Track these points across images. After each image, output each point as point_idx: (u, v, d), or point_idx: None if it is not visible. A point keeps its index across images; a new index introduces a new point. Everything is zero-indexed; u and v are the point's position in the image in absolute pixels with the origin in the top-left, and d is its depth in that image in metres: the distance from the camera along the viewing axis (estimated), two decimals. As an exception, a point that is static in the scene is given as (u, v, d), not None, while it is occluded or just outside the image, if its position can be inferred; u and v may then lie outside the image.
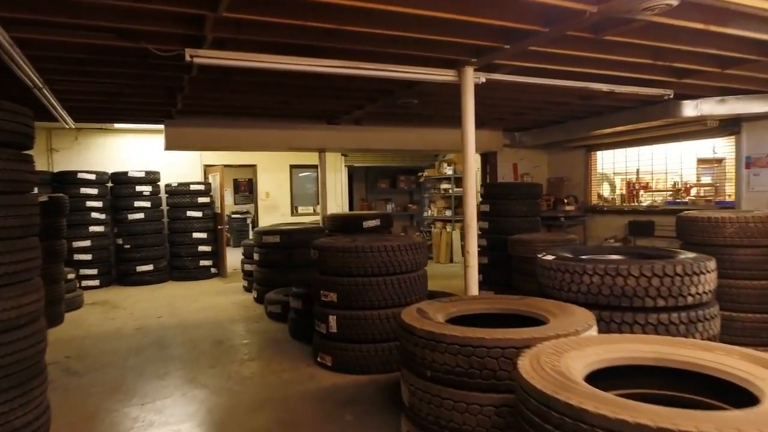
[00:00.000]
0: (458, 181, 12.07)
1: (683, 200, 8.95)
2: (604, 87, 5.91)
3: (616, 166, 10.19)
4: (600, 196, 10.43)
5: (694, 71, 5.57)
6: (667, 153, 9.55)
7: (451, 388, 2.78)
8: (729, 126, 7.69)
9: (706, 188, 9.28)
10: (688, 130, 8.10)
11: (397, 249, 4.75)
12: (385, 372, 4.70)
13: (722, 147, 9.55)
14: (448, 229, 12.29)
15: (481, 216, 8.54)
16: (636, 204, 9.61)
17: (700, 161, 11.04)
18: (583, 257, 3.92)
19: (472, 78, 5.02)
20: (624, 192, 10.22)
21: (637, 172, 10.13)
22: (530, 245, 6.73)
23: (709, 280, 3.39)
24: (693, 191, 9.41)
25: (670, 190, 9.72)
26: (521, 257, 6.87)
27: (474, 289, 5.03)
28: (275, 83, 5.64)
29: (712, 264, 3.45)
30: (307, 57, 4.44)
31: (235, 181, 18.28)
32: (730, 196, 8.37)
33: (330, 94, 6.34)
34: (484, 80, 5.20)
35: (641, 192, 9.88)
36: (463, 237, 11.86)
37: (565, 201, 10.24)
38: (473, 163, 5.13)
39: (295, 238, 7.79)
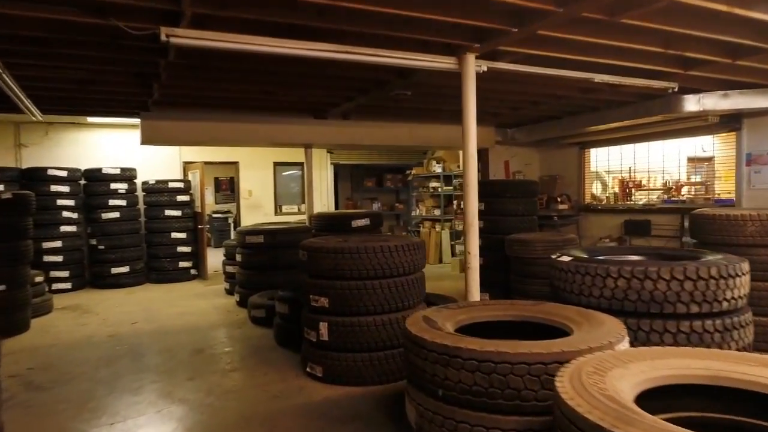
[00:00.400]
0: (447, 179, 11.78)
1: (681, 199, 8.72)
2: (609, 78, 5.61)
3: (608, 165, 9.95)
4: (593, 195, 10.18)
5: (703, 62, 5.29)
6: (658, 151, 9.37)
7: (467, 409, 2.43)
8: (729, 122, 7.47)
9: (696, 186, 9.12)
10: (686, 126, 7.86)
11: (394, 250, 4.37)
12: (381, 383, 4.33)
13: (712, 145, 9.39)
14: (437, 229, 11.97)
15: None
16: (631, 203, 9.36)
17: (690, 160, 10.90)
18: (602, 258, 3.58)
19: (473, 66, 4.67)
20: (617, 190, 9.99)
21: (630, 170, 9.92)
22: (529, 245, 6.42)
23: (744, 283, 3.08)
24: (684, 190, 9.25)
25: (661, 189, 9.54)
26: (520, 258, 6.56)
27: (476, 292, 4.68)
28: (260, 70, 5.24)
29: (746, 266, 3.14)
30: (297, 40, 4.04)
31: (216, 179, 17.72)
32: (719, 194, 8.23)
33: (319, 84, 5.94)
34: (485, 69, 4.85)
35: (633, 191, 9.67)
36: (452, 237, 11.68)
37: (559, 200, 9.97)
38: (474, 157, 4.78)
39: (280, 239, 7.38)
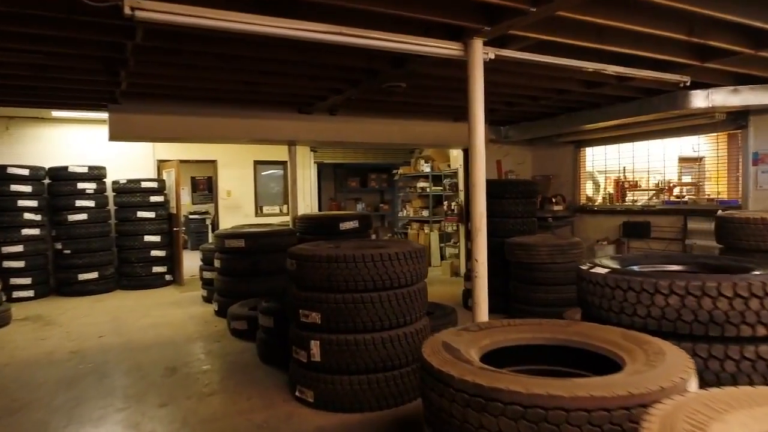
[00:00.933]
0: (436, 179, 11.33)
1: (682, 200, 8.38)
2: (622, 70, 5.18)
3: (600, 164, 9.62)
4: (587, 196, 9.83)
5: (724, 52, 4.89)
6: (654, 150, 9.08)
7: (507, 466, 1.93)
8: (736, 120, 7.13)
9: (687, 187, 8.84)
10: (690, 124, 7.50)
11: (395, 257, 3.88)
12: (380, 408, 3.83)
13: (702, 146, 9.14)
14: (425, 231, 11.49)
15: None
16: (629, 204, 9.02)
17: (681, 160, 10.65)
18: (644, 270, 3.13)
19: (481, 53, 4.19)
20: (612, 191, 9.66)
21: (624, 170, 9.60)
22: (532, 250, 5.98)
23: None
24: (676, 190, 8.97)
25: (654, 189, 9.25)
26: (521, 263, 6.12)
27: (484, 304, 4.19)
28: (240, 57, 4.69)
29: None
30: (281, 18, 3.52)
31: (193, 179, 16.98)
32: (721, 195, 7.95)
33: (305, 73, 5.40)
34: (492, 57, 4.37)
35: (628, 191, 9.34)
36: (442, 239, 11.21)
37: (554, 200, 9.57)
38: (482, 154, 4.29)
39: (263, 243, 6.83)
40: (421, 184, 11.89)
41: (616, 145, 9.11)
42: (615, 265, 3.16)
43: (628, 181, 9.58)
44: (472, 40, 4.15)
